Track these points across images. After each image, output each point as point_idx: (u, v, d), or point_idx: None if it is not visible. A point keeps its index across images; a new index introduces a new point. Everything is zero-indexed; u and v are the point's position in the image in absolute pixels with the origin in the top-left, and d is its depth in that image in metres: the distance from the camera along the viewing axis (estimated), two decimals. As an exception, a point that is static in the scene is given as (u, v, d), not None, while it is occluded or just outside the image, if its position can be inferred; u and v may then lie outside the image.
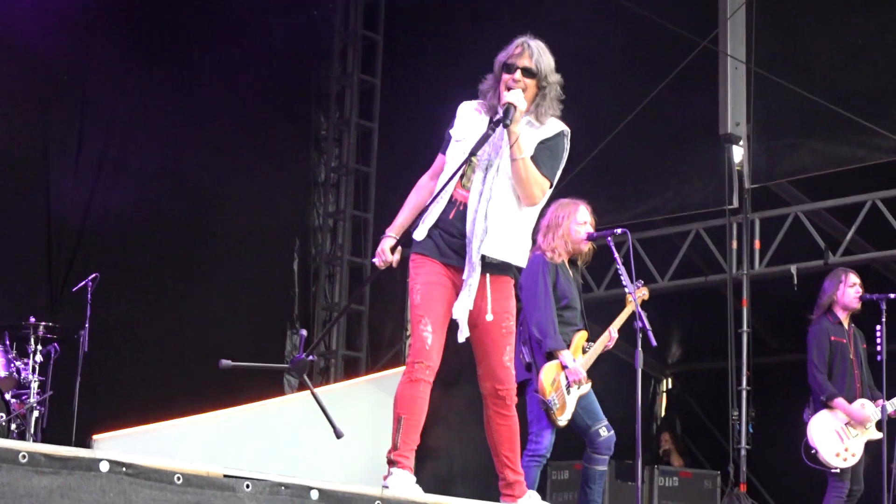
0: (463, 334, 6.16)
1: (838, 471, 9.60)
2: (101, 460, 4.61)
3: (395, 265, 6.23)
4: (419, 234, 6.17)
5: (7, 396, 10.26)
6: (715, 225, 13.20)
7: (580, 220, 8.38)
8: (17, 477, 4.38)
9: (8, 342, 10.71)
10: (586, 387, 8.29)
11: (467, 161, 6.04)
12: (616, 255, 7.98)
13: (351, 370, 15.31)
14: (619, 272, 7.94)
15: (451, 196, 6.14)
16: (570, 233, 8.34)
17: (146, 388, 12.13)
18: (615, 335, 8.56)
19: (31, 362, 10.60)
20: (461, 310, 6.10)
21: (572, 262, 8.50)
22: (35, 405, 10.43)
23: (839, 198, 12.69)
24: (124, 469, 4.64)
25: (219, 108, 13.72)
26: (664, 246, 13.64)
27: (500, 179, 6.08)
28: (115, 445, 9.53)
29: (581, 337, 8.39)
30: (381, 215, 15.47)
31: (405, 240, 6.24)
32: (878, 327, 9.43)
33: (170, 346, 12.92)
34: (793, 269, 12.42)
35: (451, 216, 6.12)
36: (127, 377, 12.17)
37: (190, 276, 13.48)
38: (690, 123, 13.02)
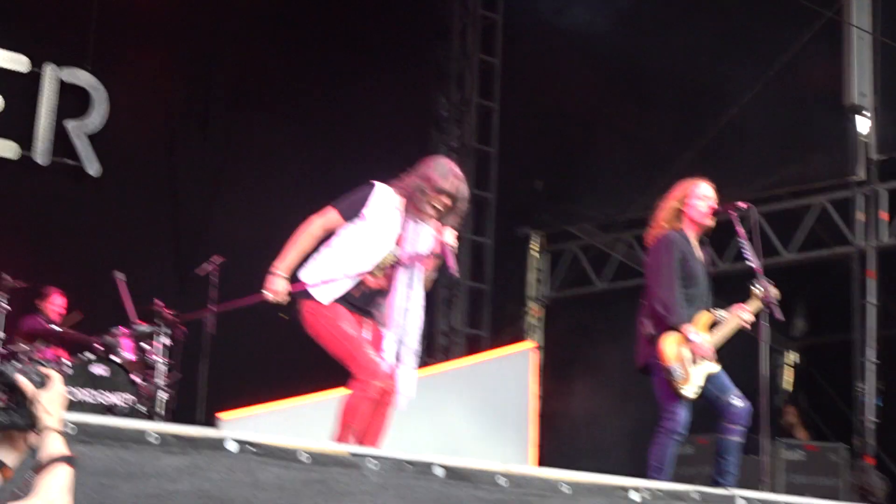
0: None
1: None
2: (228, 439, 4.67)
3: (283, 303, 7.19)
4: (326, 300, 7.10)
5: (135, 378, 10.43)
6: (840, 197, 13.02)
7: (703, 194, 8.20)
8: (146, 457, 4.46)
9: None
10: (715, 366, 8.10)
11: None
12: (740, 230, 7.90)
13: (473, 347, 15.31)
14: (742, 247, 7.85)
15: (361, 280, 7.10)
16: (694, 208, 8.17)
17: (270, 368, 12.22)
18: (750, 320, 8.08)
19: (158, 345, 10.76)
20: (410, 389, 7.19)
21: (700, 240, 8.32)
22: (162, 386, 10.59)
23: (969, 166, 12.48)
24: (251, 448, 4.70)
25: (337, 92, 13.79)
26: (789, 219, 13.48)
27: (418, 275, 7.39)
28: (239, 425, 9.66)
29: (704, 317, 8.13)
30: (503, 195, 15.53)
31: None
32: None
33: (292, 325, 13.01)
34: (921, 240, 12.23)
35: (357, 295, 7.10)
36: (251, 358, 12.27)
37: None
38: (814, 94, 12.85)
